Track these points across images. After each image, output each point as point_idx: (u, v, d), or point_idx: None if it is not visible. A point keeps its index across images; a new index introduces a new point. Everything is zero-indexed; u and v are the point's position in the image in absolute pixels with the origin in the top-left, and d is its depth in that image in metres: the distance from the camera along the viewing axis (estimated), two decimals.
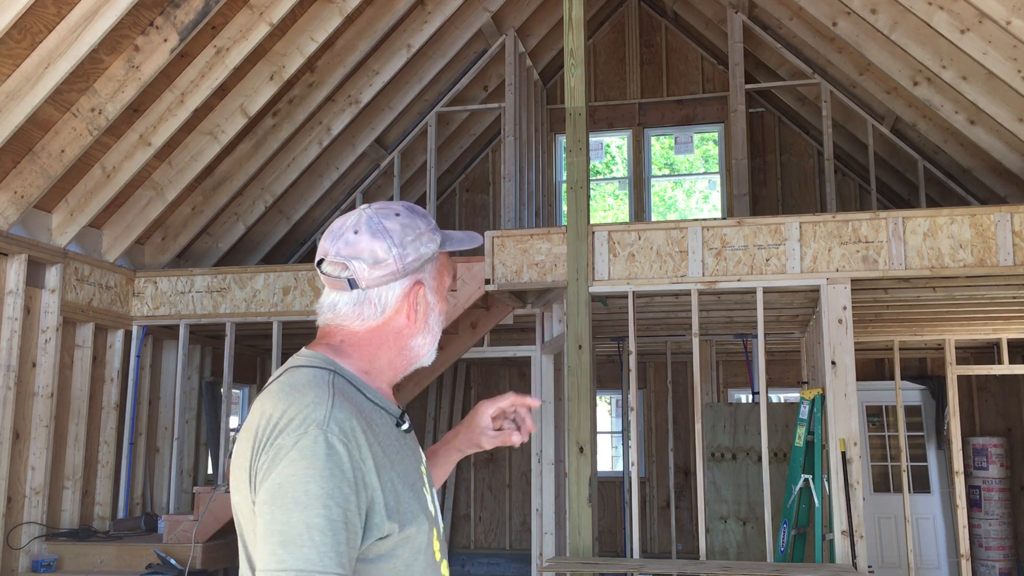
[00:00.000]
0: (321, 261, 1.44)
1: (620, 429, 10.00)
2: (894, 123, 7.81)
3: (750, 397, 8.97)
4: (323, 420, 1.27)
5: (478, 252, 6.05)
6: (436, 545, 1.40)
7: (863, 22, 6.60)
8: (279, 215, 8.00)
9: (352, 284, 1.41)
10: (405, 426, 1.45)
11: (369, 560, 1.29)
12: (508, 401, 1.66)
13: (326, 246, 1.44)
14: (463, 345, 6.57)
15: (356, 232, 1.42)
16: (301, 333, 7.18)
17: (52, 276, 5.91)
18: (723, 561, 6.24)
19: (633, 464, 5.61)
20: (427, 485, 1.44)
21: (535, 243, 5.77)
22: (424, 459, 1.50)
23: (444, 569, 1.44)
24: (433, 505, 1.43)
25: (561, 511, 6.43)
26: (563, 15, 5.97)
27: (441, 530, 1.45)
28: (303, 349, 1.45)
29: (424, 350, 1.50)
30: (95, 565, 5.72)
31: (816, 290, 5.59)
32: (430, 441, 9.95)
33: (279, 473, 1.24)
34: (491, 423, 1.67)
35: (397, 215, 1.45)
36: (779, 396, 10.20)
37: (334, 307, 1.44)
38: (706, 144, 10.79)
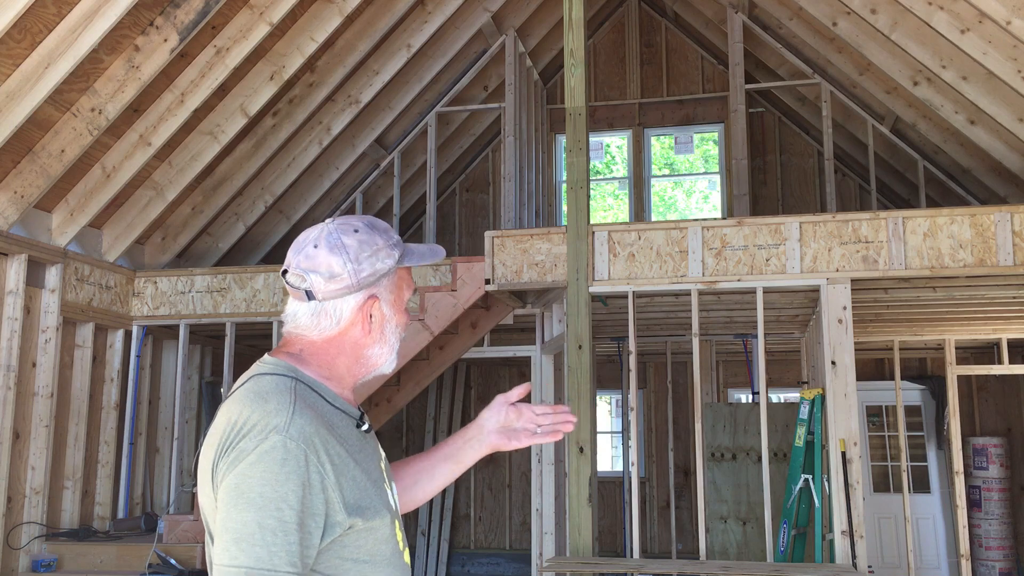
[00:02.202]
0: (286, 271, 1.54)
1: (620, 429, 10.00)
2: (894, 123, 7.81)
3: (750, 397, 8.97)
4: (283, 426, 1.34)
5: (478, 252, 6.05)
6: (399, 535, 1.51)
7: (863, 22, 6.60)
8: (279, 215, 8.00)
9: (309, 296, 1.50)
10: (365, 427, 1.53)
11: (336, 549, 1.38)
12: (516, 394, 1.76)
13: (290, 258, 1.54)
14: (463, 345, 6.57)
15: (316, 247, 1.51)
16: None
17: (52, 276, 5.91)
18: (723, 561, 6.24)
19: (633, 464, 5.61)
20: (388, 481, 1.54)
21: (535, 243, 5.77)
22: (384, 456, 1.60)
23: (407, 557, 1.55)
24: (393, 499, 1.53)
25: (561, 511, 6.43)
26: (563, 15, 5.97)
27: (400, 522, 1.56)
28: (266, 356, 1.53)
29: (382, 359, 1.57)
30: (95, 565, 5.72)
31: (816, 290, 5.59)
32: (430, 441, 9.95)
33: (237, 475, 1.32)
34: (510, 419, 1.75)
35: (356, 231, 1.52)
36: (779, 396, 10.20)
37: (295, 317, 1.53)
38: (706, 144, 10.80)
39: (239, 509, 1.30)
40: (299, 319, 1.52)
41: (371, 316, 1.53)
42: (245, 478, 1.31)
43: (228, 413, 1.40)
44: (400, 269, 1.57)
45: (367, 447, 1.51)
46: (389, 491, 1.52)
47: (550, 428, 1.73)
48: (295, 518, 1.30)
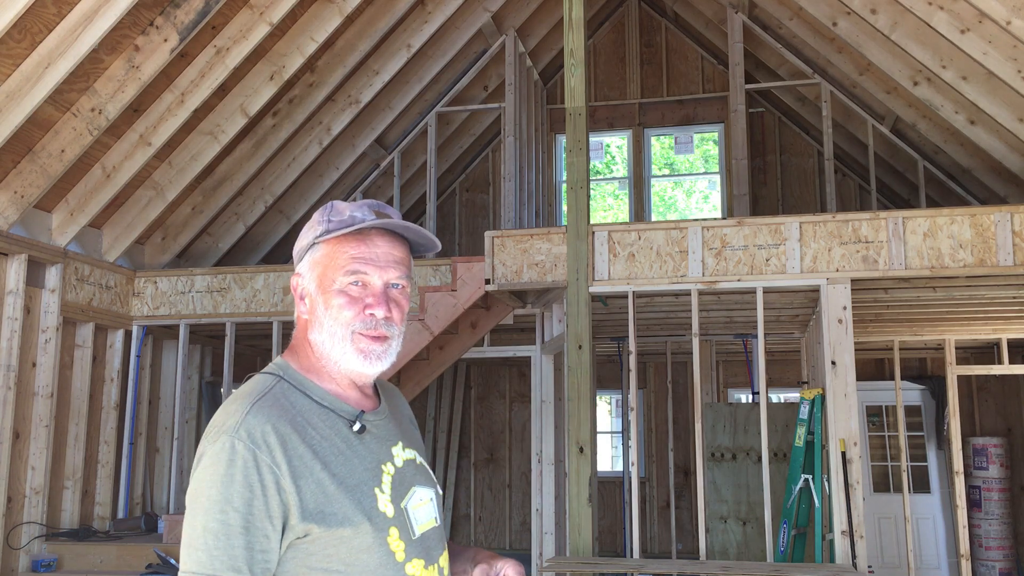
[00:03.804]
0: None
1: (620, 429, 10.00)
2: (894, 123, 7.80)
3: (750, 397, 8.97)
4: (234, 427, 1.32)
5: (479, 252, 6.04)
6: (397, 546, 1.40)
7: (863, 22, 6.60)
8: (279, 215, 8.00)
9: None
10: (356, 427, 1.44)
11: (301, 557, 1.33)
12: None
13: None
14: (463, 345, 6.57)
15: None
16: None
17: (52, 276, 5.91)
18: (723, 561, 6.23)
19: (633, 464, 5.61)
20: (387, 485, 1.44)
21: (535, 243, 5.77)
22: (398, 456, 1.49)
23: (415, 569, 1.43)
24: (393, 506, 1.42)
25: (561, 511, 6.43)
26: (563, 15, 5.97)
27: (412, 530, 1.44)
28: None
29: (325, 348, 1.45)
30: (95, 565, 5.72)
31: (816, 290, 5.59)
32: (429, 441, 9.95)
33: (193, 478, 1.33)
34: None
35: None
36: (779, 396, 10.20)
37: None
38: (706, 144, 10.79)
39: (191, 513, 1.31)
40: None
41: (300, 296, 1.49)
42: (197, 481, 1.32)
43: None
44: (331, 248, 1.46)
45: (357, 448, 1.43)
46: (383, 496, 1.42)
47: None
48: (240, 521, 1.28)
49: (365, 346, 1.44)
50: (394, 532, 1.40)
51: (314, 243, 1.47)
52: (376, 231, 1.47)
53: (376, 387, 1.58)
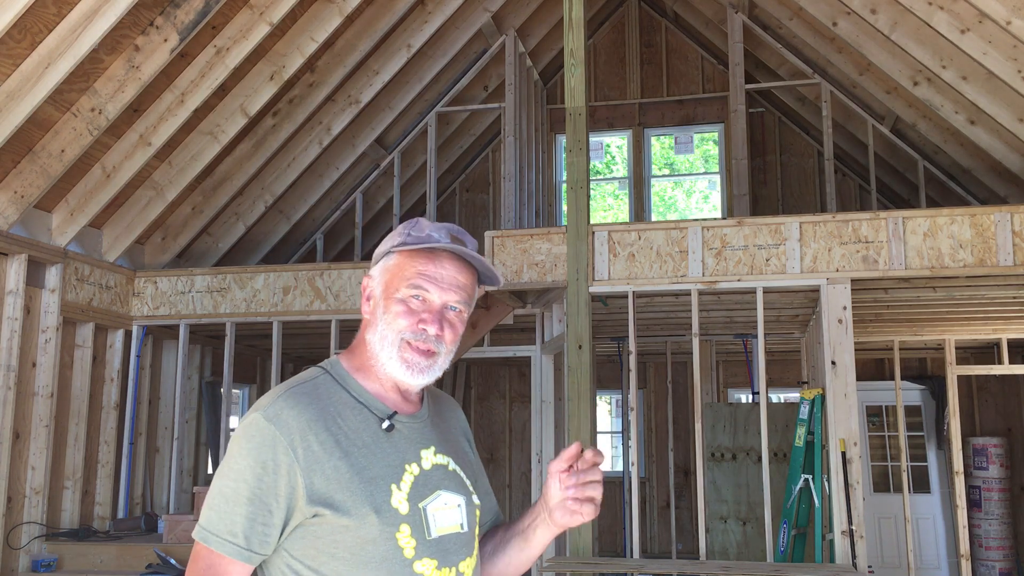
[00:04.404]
0: None
1: (620, 429, 10.00)
2: (894, 123, 7.81)
3: (750, 397, 8.97)
4: (265, 407, 1.44)
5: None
6: (407, 543, 1.45)
7: (863, 22, 6.60)
8: (279, 215, 8.00)
9: None
10: (385, 424, 1.50)
11: (310, 539, 1.41)
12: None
13: None
14: (463, 345, 6.57)
15: None
16: (301, 333, 7.17)
17: (52, 276, 5.91)
18: (723, 561, 6.23)
19: (633, 464, 5.61)
20: (406, 484, 1.48)
21: (535, 243, 5.77)
22: (426, 459, 1.54)
23: (425, 568, 1.46)
24: (409, 504, 1.47)
25: None
26: (563, 15, 5.97)
27: (427, 530, 1.48)
28: None
29: (375, 348, 1.53)
30: (95, 565, 5.72)
31: (816, 290, 5.59)
32: None
33: (227, 446, 1.46)
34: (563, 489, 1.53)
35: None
36: (779, 396, 10.20)
37: None
38: (706, 144, 10.79)
39: (216, 475, 1.43)
40: None
41: (369, 298, 1.58)
42: (227, 449, 1.44)
43: None
44: (403, 259, 1.55)
45: (383, 444, 1.48)
46: (399, 493, 1.46)
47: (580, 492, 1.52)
48: (247, 491, 1.38)
49: (410, 357, 1.51)
50: (405, 529, 1.45)
51: (390, 251, 1.57)
52: (447, 254, 1.57)
53: (425, 396, 1.64)
